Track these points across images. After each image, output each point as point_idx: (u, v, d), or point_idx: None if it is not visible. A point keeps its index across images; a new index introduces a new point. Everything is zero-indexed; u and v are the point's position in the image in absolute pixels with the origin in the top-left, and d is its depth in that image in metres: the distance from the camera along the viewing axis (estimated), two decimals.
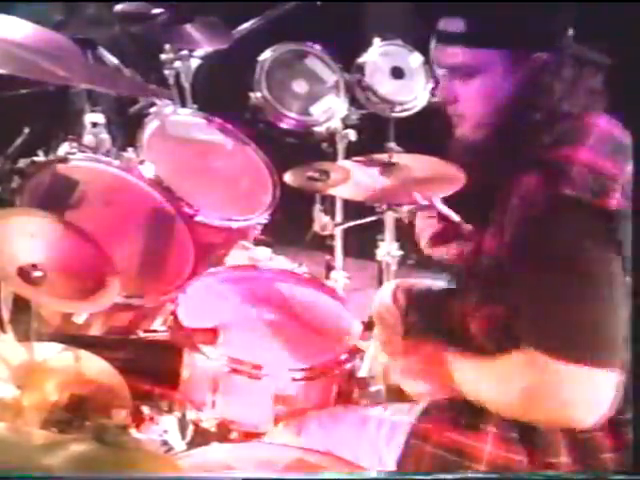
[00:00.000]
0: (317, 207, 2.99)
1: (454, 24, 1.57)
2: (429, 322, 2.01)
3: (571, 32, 1.59)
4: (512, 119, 1.59)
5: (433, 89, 3.06)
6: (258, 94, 2.99)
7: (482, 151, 1.64)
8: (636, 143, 1.54)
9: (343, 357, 1.95)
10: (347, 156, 3.03)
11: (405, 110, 3.08)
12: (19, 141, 2.37)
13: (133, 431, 1.85)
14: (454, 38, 1.57)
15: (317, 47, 3.13)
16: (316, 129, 3.04)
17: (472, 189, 1.78)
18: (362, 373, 2.14)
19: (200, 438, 1.94)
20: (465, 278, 1.73)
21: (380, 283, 2.94)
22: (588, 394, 1.42)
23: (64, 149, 2.40)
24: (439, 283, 2.11)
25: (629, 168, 1.50)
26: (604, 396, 1.41)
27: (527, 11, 1.54)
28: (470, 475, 1.48)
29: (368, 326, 2.65)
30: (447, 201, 2.04)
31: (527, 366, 1.44)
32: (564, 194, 1.45)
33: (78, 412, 1.78)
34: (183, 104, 3.01)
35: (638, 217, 1.42)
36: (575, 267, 1.43)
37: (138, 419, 1.95)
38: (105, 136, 2.75)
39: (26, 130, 2.41)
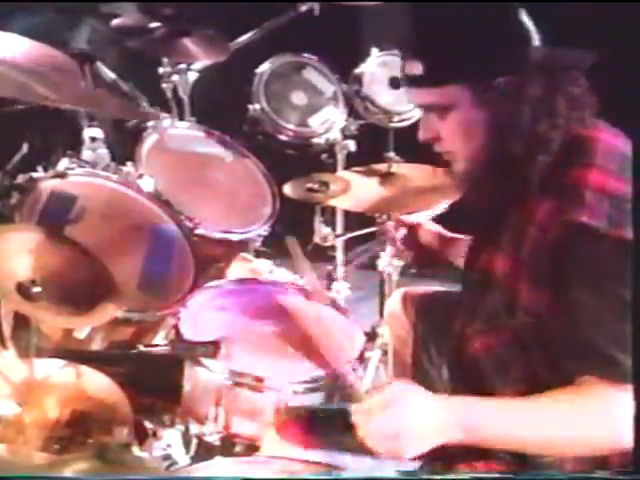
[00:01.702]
0: (317, 218, 2.99)
1: (414, 67, 1.55)
2: (438, 330, 2.00)
3: (536, 42, 1.53)
4: (496, 150, 1.55)
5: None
6: (256, 106, 2.99)
7: (479, 183, 1.62)
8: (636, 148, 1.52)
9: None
10: (346, 167, 3.03)
11: (404, 120, 3.07)
12: (18, 157, 2.36)
13: (135, 449, 1.84)
14: (418, 80, 1.56)
15: (315, 58, 3.13)
16: (315, 140, 3.04)
17: (477, 213, 1.76)
18: (365, 384, 2.13)
19: (204, 452, 1.92)
20: (472, 293, 1.71)
21: (382, 293, 2.93)
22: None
23: (63, 164, 2.40)
24: (448, 289, 2.11)
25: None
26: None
27: (480, 40, 1.50)
28: (472, 475, 1.46)
29: (371, 337, 2.64)
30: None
31: (595, 396, 1.41)
32: (581, 222, 1.43)
33: (80, 428, 1.78)
34: (181, 117, 3.01)
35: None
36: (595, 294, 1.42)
37: (141, 434, 1.94)
38: (104, 151, 2.74)
39: (25, 146, 2.41)
